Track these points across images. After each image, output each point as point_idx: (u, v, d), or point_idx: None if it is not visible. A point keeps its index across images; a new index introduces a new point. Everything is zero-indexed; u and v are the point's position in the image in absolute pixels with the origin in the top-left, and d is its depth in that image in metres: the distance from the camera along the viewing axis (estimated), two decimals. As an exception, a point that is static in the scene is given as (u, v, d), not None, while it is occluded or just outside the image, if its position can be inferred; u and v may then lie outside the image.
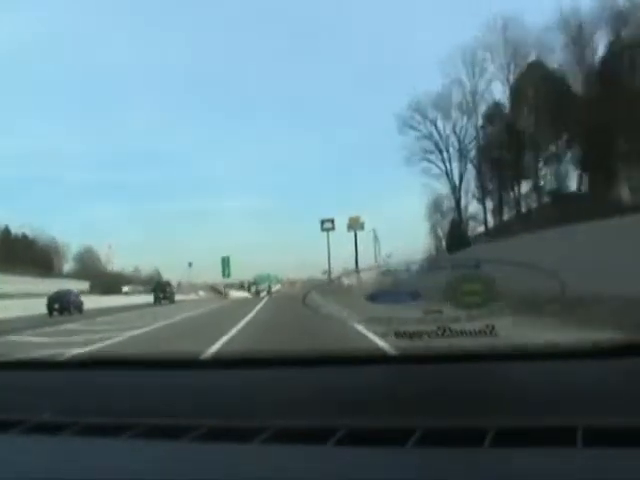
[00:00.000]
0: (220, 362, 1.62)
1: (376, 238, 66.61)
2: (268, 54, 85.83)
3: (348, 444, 1.07)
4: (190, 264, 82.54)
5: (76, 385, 1.49)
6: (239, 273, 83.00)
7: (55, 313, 30.36)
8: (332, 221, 66.12)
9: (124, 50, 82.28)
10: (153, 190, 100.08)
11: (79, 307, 32.87)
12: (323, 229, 66.10)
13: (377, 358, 1.50)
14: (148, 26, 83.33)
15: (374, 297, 1.54)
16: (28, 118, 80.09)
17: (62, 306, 31.23)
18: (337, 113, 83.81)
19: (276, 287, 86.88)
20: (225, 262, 78.24)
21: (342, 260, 66.08)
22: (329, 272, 65.44)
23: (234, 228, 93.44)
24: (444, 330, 1.40)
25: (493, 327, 1.38)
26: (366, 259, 60.49)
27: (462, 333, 1.40)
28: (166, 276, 77.51)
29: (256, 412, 1.25)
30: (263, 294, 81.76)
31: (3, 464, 1.08)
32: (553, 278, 1.41)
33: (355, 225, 70.30)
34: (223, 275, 78.12)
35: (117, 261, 78.67)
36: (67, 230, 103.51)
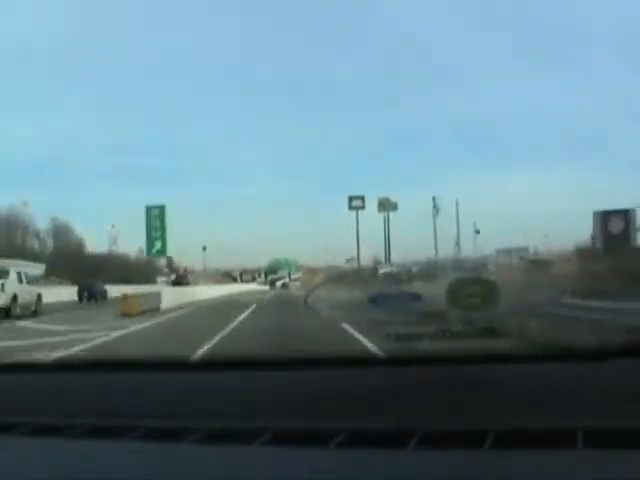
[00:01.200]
0: (220, 364, 1.60)
1: (437, 209, 54.63)
2: (296, 40, 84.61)
3: (350, 446, 1.07)
4: (204, 248, 75.18)
5: (76, 387, 1.47)
6: (253, 260, 76.45)
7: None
8: (362, 199, 55.98)
9: (146, 35, 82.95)
10: (168, 175, 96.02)
11: (104, 295, 36.79)
12: (351, 208, 55.98)
13: (378, 360, 1.49)
14: (173, 11, 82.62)
15: (375, 300, 1.74)
16: (48, 103, 79.21)
17: (90, 294, 36.01)
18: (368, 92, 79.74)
19: (295, 276, 78.18)
20: (153, 217, 52.36)
21: (372, 245, 57.11)
22: (358, 259, 55.60)
23: (251, 213, 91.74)
24: (445, 332, 1.47)
25: (493, 329, 1.49)
26: (421, 241, 51.14)
27: (463, 335, 1.47)
28: (178, 260, 70.26)
29: (256, 414, 1.24)
30: (279, 284, 73.04)
31: (3, 466, 1.09)
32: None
33: (387, 206, 59.95)
34: (148, 249, 52.82)
35: (123, 243, 68.34)
36: (78, 214, 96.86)
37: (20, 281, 21.52)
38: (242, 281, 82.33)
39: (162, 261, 72.70)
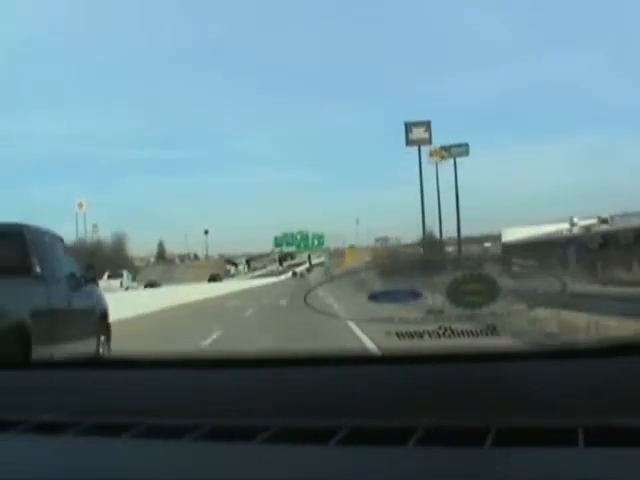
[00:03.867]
0: (221, 361, 1.61)
1: None
2: (314, 29, 78.01)
3: (350, 444, 1.08)
4: (206, 231, 72.38)
5: (77, 385, 1.48)
6: (264, 245, 67.21)
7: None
8: (427, 125, 35.02)
9: (165, 29, 77.27)
10: (166, 164, 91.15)
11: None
12: (409, 143, 35.13)
13: (379, 358, 1.48)
14: (189, 4, 75.05)
15: (375, 296, 1.54)
16: (70, 100, 72.02)
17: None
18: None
19: (317, 260, 57.79)
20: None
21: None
22: (423, 222, 34.80)
23: (262, 193, 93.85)
24: (445, 330, 1.42)
25: (494, 327, 1.40)
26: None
27: (463, 333, 1.42)
28: (170, 247, 74.41)
29: (257, 412, 1.25)
30: (299, 270, 52.69)
31: (3, 464, 1.09)
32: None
33: (453, 151, 38.29)
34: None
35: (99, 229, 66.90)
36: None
37: (128, 278, 52.12)
38: (250, 269, 69.14)
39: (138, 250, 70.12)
